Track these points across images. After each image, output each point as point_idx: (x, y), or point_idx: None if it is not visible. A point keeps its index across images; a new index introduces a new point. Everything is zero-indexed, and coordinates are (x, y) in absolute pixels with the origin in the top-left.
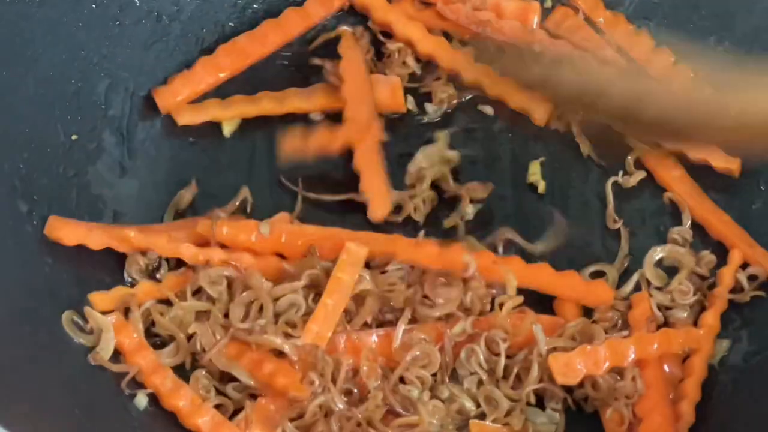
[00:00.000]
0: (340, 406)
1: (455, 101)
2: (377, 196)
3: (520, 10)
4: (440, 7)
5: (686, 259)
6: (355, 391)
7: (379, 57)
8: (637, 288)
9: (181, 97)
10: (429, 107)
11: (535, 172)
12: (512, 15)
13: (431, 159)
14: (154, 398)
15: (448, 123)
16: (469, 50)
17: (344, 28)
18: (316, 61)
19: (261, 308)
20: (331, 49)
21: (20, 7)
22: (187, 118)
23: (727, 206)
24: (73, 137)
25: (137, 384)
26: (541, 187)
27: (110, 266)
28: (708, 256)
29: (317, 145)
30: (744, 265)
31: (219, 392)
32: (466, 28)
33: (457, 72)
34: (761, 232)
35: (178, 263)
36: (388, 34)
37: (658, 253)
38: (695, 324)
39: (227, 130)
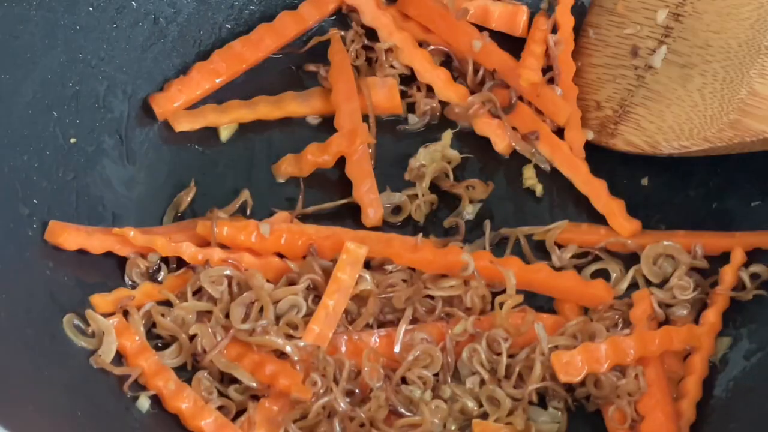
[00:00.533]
0: (344, 406)
1: (438, 114)
2: (369, 203)
3: (508, 13)
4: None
5: (682, 255)
6: (357, 391)
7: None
8: (634, 285)
9: (178, 104)
10: (411, 117)
11: (530, 177)
12: (500, 18)
13: (433, 156)
14: (156, 400)
15: (430, 134)
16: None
17: (334, 31)
18: (311, 67)
19: (261, 309)
20: (326, 52)
21: (18, 10)
22: (185, 124)
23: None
24: (72, 140)
25: (140, 386)
26: (539, 190)
27: (111, 270)
28: (698, 247)
29: (311, 164)
30: (746, 264)
31: (221, 394)
32: (453, 45)
33: (432, 87)
34: None
35: (178, 267)
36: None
37: (654, 249)
38: (696, 322)
39: (224, 135)
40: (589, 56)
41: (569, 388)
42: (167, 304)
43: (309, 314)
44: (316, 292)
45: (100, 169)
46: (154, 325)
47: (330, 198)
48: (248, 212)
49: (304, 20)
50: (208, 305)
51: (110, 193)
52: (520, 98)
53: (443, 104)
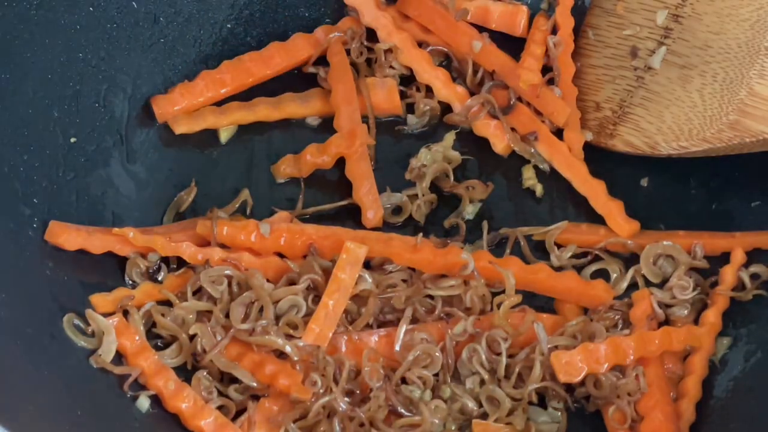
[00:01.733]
0: (344, 406)
1: (438, 114)
2: (369, 205)
3: (508, 13)
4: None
5: (682, 255)
6: (357, 391)
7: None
8: (634, 285)
9: (179, 108)
10: (410, 118)
11: (530, 177)
12: (500, 18)
13: (434, 157)
14: (156, 400)
15: (429, 135)
16: (445, 72)
17: (336, 35)
18: (311, 69)
19: (261, 309)
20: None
21: (18, 10)
22: (184, 126)
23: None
24: (72, 140)
25: (139, 386)
26: (539, 190)
27: (111, 269)
28: (698, 247)
29: (310, 165)
30: (746, 264)
31: (221, 394)
32: (453, 45)
33: (431, 88)
34: None
35: (178, 266)
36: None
37: (654, 249)
38: (696, 322)
39: (224, 136)
40: (589, 57)
41: (569, 388)
42: (167, 303)
43: (309, 314)
44: (316, 292)
45: (100, 169)
46: (154, 324)
47: (330, 198)
48: (248, 212)
49: (318, 43)
50: (208, 305)
51: (110, 193)
52: (519, 99)
53: (442, 105)
